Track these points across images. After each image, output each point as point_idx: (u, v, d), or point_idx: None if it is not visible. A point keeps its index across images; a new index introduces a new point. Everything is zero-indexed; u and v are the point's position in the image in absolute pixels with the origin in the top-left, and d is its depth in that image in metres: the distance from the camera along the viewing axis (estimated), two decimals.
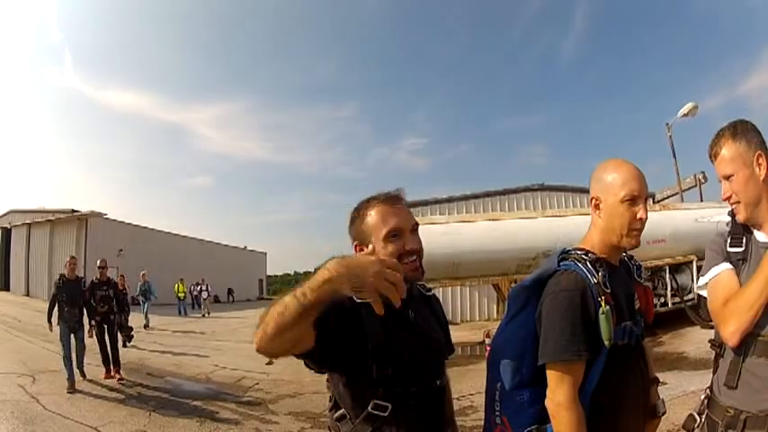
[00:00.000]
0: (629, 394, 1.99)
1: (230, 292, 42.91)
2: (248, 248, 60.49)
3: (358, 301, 1.72)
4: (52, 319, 9.16)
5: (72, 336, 8.99)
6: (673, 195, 21.03)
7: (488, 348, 2.34)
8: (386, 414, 1.77)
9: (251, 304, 39.72)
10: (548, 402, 1.87)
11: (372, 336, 1.78)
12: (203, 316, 25.74)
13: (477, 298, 20.42)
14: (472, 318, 19.90)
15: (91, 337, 9.42)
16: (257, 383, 9.36)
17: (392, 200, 1.95)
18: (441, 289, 19.16)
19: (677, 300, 13.36)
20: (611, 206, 2.02)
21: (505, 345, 2.09)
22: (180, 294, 25.73)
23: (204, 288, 28.20)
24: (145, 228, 36.07)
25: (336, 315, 1.71)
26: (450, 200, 21.70)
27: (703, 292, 2.22)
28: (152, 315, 19.05)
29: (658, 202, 21.78)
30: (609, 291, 1.91)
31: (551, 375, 1.87)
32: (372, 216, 1.91)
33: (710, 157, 2.19)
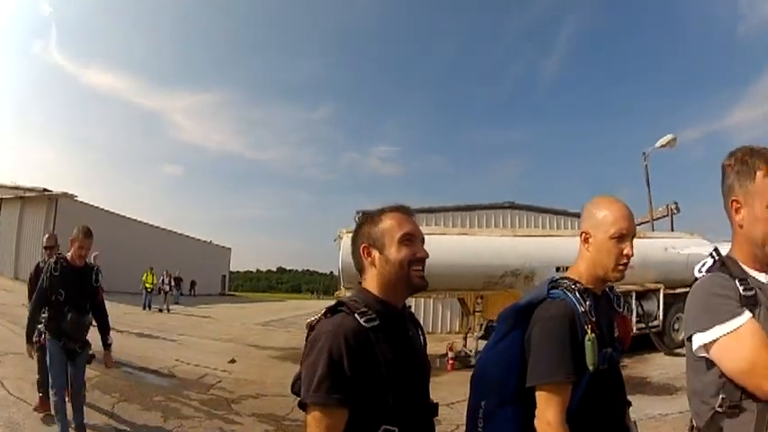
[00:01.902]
0: (607, 416, 2.11)
1: (193, 285, 42.20)
2: (213, 243, 60.14)
3: (366, 325, 1.80)
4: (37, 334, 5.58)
5: (69, 364, 5.44)
6: (643, 223, 21.12)
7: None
8: None
9: (212, 299, 39.54)
10: (537, 422, 1.96)
11: (385, 361, 1.81)
12: (160, 311, 24.58)
13: (441, 310, 20.46)
14: (434, 330, 19.90)
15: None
16: (219, 381, 9.25)
17: (406, 210, 2.05)
18: (411, 299, 19.66)
19: (642, 326, 13.58)
20: (600, 242, 2.18)
21: (492, 364, 2.21)
22: (147, 285, 24.58)
23: (168, 281, 27.25)
24: (114, 214, 35.61)
25: (349, 356, 1.73)
26: (419, 211, 21.49)
27: (703, 339, 1.82)
28: (114, 304, 18.57)
29: None
30: (594, 319, 2.04)
31: (541, 396, 1.97)
32: (386, 221, 1.98)
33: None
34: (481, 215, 21.82)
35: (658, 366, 11.88)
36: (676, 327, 14.69)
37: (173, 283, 28.63)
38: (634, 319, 13.41)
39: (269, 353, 13.78)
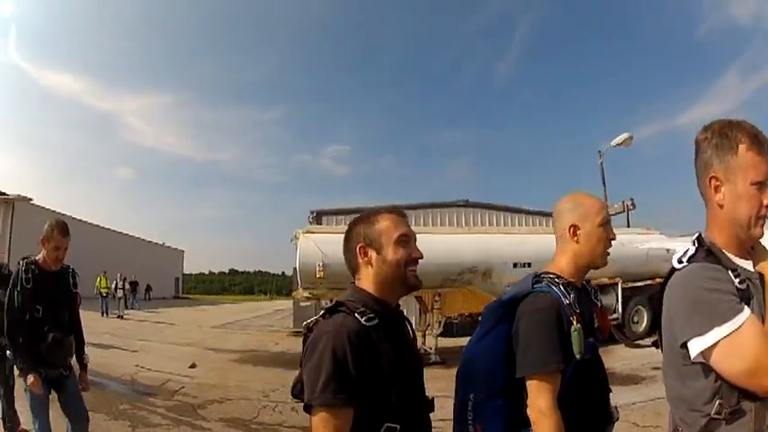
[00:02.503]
0: (591, 402, 2.20)
1: (148, 289, 41.50)
2: (166, 245, 59.38)
3: (367, 324, 1.84)
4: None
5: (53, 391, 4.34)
6: None
7: None
8: None
9: (167, 303, 39.01)
10: (530, 411, 2.04)
11: (386, 359, 1.85)
12: (120, 317, 23.88)
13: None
14: None
15: None
16: (183, 387, 9.15)
17: (399, 212, 2.12)
18: None
19: None
20: (589, 231, 2.28)
21: (478, 358, 2.29)
22: (102, 290, 24.04)
23: (121, 286, 26.15)
24: (69, 217, 34.93)
25: (353, 355, 1.75)
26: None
27: (701, 345, 1.62)
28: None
29: None
30: (578, 311, 2.14)
31: (532, 385, 2.04)
32: (383, 222, 2.02)
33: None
34: (435, 213, 21.78)
35: (621, 358, 12.19)
36: (636, 319, 15.17)
37: (127, 288, 27.94)
38: None
39: (228, 356, 13.72)
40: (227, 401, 8.32)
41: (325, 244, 11.55)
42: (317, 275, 11.44)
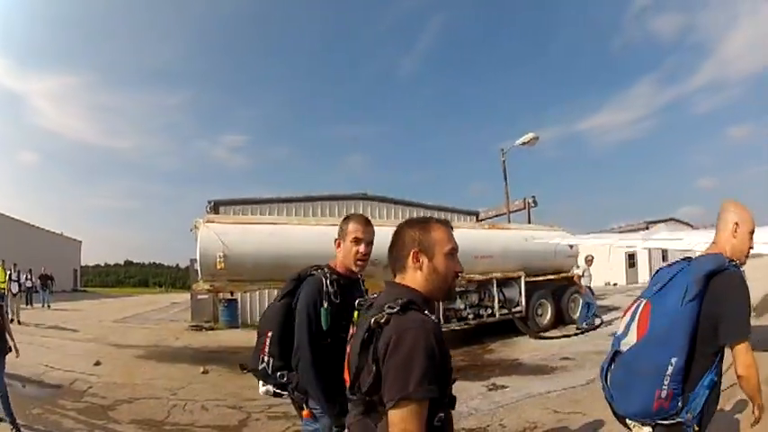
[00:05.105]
0: None
1: (51, 281, 39.34)
2: (65, 235, 56.54)
3: (435, 319, 1.93)
4: None
5: None
6: (500, 215, 22.40)
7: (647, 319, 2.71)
8: (440, 425, 1.88)
9: (67, 296, 37.11)
10: (739, 368, 2.48)
11: (447, 350, 1.93)
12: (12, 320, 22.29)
13: None
14: None
15: None
16: (90, 387, 8.88)
17: (449, 224, 2.18)
18: (267, 291, 18.91)
19: (505, 311, 14.26)
20: (743, 232, 2.80)
21: (679, 324, 2.56)
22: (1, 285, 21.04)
23: (16, 278, 24.13)
24: None
25: (438, 350, 1.83)
26: (271, 200, 21.25)
27: None
28: None
29: (482, 220, 23.51)
30: None
31: (741, 349, 2.46)
32: (437, 232, 2.06)
33: None
34: (334, 205, 21.66)
35: (528, 349, 12.50)
36: (539, 312, 15.56)
37: (35, 282, 26.35)
38: (497, 304, 14.19)
39: (131, 352, 13.32)
40: (136, 401, 8.12)
41: (227, 234, 11.24)
42: (218, 267, 11.03)
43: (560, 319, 16.37)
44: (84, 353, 12.38)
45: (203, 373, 10.29)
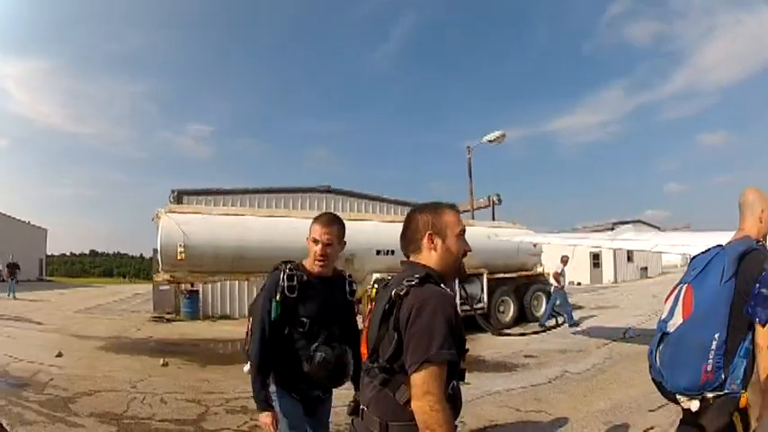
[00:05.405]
0: None
1: (18, 269, 38.69)
2: (31, 223, 55.78)
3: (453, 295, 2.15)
4: None
5: None
6: (464, 212, 21.90)
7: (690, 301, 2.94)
8: (452, 393, 2.05)
9: (32, 285, 36.65)
10: (759, 338, 2.60)
11: (461, 320, 2.09)
12: None
13: (255, 293, 20.06)
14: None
15: None
16: (52, 379, 8.85)
17: (457, 208, 2.37)
18: (228, 283, 19.00)
19: (467, 308, 14.30)
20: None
21: (719, 303, 2.74)
22: None
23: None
24: None
25: (456, 319, 1.99)
26: (235, 192, 21.24)
27: None
28: None
29: None
30: None
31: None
32: (448, 215, 2.23)
33: None
34: (297, 198, 21.78)
35: (489, 346, 12.56)
36: (501, 309, 15.81)
37: (3, 270, 26.11)
38: (458, 301, 14.02)
39: (93, 343, 13.31)
40: (96, 394, 8.11)
41: (188, 225, 11.22)
42: (178, 257, 11.05)
43: (523, 317, 16.71)
44: (47, 344, 12.39)
45: (163, 365, 10.35)
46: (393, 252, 13.13)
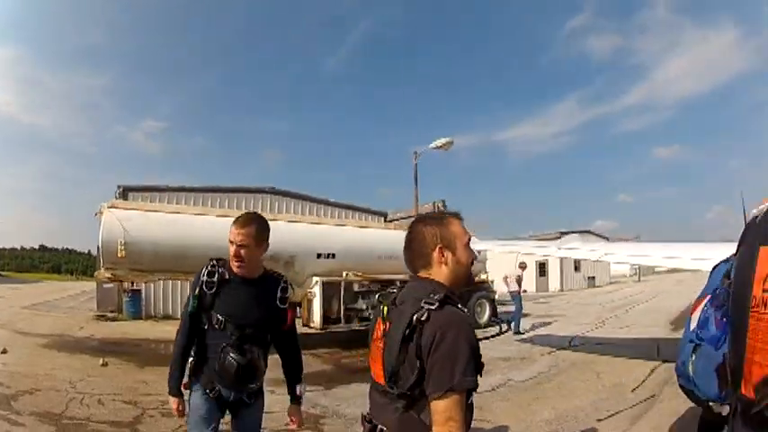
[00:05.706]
0: None
1: None
2: None
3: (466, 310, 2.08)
4: None
5: None
6: (407, 218, 21.95)
7: None
8: (469, 403, 1.97)
9: None
10: None
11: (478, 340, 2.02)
12: None
13: None
14: None
15: None
16: None
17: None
18: (171, 283, 19.16)
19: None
20: None
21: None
22: None
23: None
24: None
25: (477, 343, 1.94)
26: (181, 189, 21.25)
27: None
28: None
29: (390, 221, 23.59)
30: None
31: None
32: (454, 226, 2.17)
33: None
34: (241, 198, 21.89)
35: None
36: (478, 310, 16.72)
37: None
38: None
39: (37, 340, 13.34)
40: (37, 392, 8.10)
41: (129, 221, 11.05)
42: (119, 254, 10.85)
43: (496, 318, 17.37)
44: None
45: (103, 365, 10.44)
46: (334, 255, 13.37)
